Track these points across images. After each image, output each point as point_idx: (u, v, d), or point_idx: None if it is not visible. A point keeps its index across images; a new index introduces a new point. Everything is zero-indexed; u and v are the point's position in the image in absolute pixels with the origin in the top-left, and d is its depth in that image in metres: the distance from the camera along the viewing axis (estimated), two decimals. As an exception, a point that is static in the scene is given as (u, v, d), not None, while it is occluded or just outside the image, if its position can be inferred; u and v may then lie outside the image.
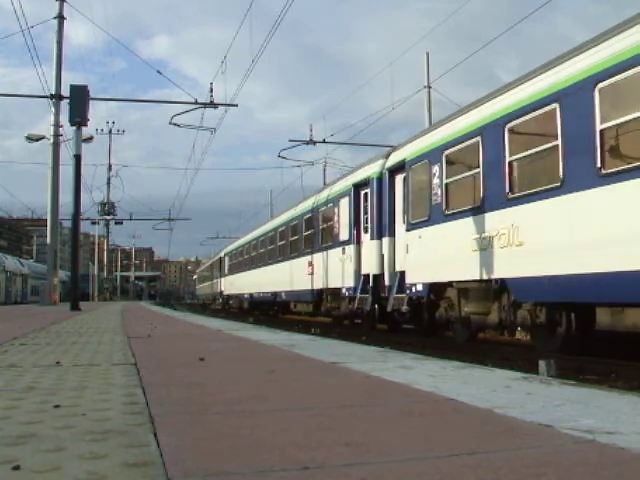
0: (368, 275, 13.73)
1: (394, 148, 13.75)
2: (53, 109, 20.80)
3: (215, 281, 42.84)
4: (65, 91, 19.55)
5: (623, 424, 2.03)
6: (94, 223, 49.20)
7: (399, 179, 12.75)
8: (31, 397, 2.56)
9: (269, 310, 26.76)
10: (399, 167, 12.57)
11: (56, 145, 20.82)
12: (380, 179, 13.40)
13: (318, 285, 17.20)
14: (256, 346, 5.44)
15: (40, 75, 25.24)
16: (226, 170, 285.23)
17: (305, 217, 19.37)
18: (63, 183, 21.08)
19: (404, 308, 11.76)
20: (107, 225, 51.05)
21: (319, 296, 17.40)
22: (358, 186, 14.65)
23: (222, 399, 2.54)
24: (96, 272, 52.09)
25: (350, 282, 14.62)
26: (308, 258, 18.26)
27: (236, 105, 22.27)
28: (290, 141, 28.25)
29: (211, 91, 21.73)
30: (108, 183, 47.28)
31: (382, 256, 13.07)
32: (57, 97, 20.63)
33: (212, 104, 21.75)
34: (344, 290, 15.05)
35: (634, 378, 6.78)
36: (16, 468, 1.50)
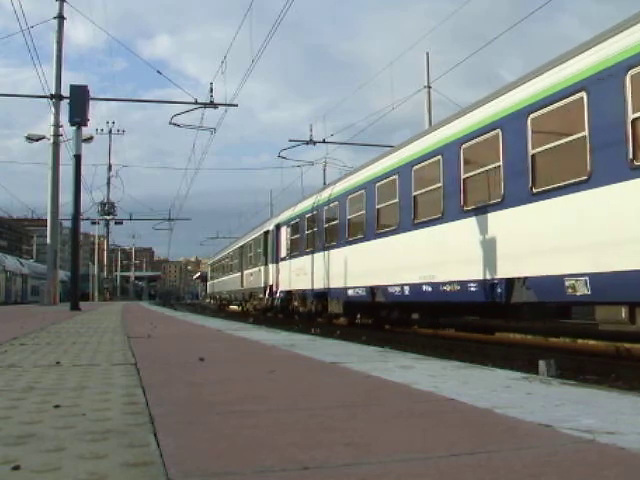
0: None
1: None
2: (53, 109, 20.80)
3: (253, 271, 27.33)
4: (65, 91, 19.56)
5: (623, 424, 2.03)
6: (94, 223, 49.25)
7: None
8: (31, 397, 2.56)
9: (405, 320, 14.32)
10: None
11: (56, 145, 20.81)
12: None
13: None
14: (256, 346, 5.44)
15: (40, 75, 25.27)
16: (226, 170, 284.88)
17: None
18: (63, 183, 21.09)
19: None
20: (107, 225, 51.07)
21: None
22: None
23: (222, 399, 2.54)
24: (96, 272, 52.08)
25: None
26: None
27: (236, 105, 22.33)
28: (290, 141, 28.22)
29: (211, 91, 21.79)
30: (108, 183, 47.34)
31: None
32: (57, 97, 20.63)
33: (212, 104, 21.79)
34: None
35: (634, 378, 6.79)
36: (16, 468, 1.49)
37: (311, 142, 27.53)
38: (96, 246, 59.66)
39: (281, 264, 21.95)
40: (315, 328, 15.19)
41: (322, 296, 17.19)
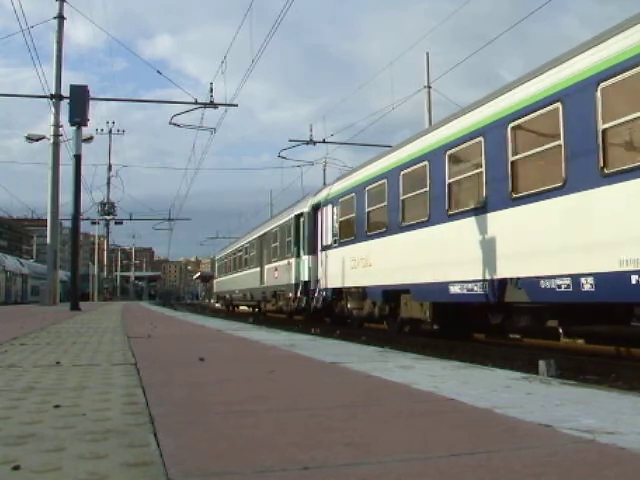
0: None
1: None
2: (53, 109, 20.81)
3: (278, 265, 22.34)
4: (65, 91, 19.57)
5: (623, 424, 2.03)
6: (94, 223, 49.28)
7: None
8: (31, 397, 2.55)
9: None
10: None
11: (56, 145, 20.81)
12: None
13: None
14: (256, 346, 5.44)
15: (40, 75, 25.25)
16: (226, 170, 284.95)
17: None
18: (63, 183, 21.08)
19: None
20: (107, 225, 51.10)
21: None
22: None
23: (222, 399, 2.54)
24: (96, 272, 52.09)
25: None
26: None
27: (236, 105, 22.34)
28: (290, 141, 28.24)
29: (211, 91, 21.79)
30: (108, 183, 47.36)
31: None
32: (57, 97, 20.63)
33: (212, 104, 21.79)
34: None
35: (634, 378, 6.78)
36: (16, 468, 1.49)
37: (311, 142, 27.55)
38: (96, 246, 59.67)
39: (324, 254, 17.04)
40: (315, 328, 15.18)
41: (395, 295, 12.79)
